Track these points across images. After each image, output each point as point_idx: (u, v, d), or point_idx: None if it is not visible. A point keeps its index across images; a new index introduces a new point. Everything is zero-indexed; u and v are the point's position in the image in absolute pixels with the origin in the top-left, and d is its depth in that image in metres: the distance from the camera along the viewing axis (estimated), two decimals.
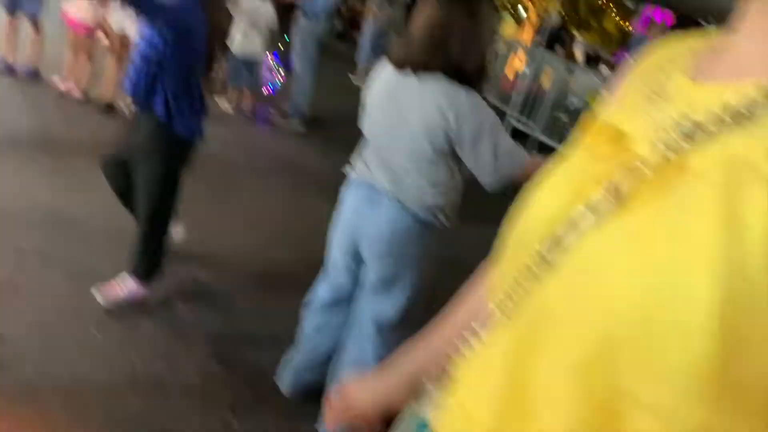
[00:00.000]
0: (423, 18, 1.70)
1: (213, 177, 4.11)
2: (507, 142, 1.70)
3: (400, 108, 1.74)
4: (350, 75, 9.21)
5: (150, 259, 2.47)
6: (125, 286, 2.46)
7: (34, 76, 4.61)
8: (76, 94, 4.54)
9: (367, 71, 9.41)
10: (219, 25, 2.44)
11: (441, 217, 1.84)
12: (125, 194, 2.48)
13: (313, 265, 2.36)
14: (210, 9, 2.27)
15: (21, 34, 4.62)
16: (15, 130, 3.71)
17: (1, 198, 2.95)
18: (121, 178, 2.44)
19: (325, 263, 2.09)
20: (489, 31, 1.78)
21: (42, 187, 3.17)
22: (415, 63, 1.69)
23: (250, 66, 5.40)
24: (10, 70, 4.59)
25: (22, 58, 4.64)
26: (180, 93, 2.26)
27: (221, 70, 5.67)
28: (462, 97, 1.66)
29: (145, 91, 2.22)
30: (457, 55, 1.66)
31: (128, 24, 4.35)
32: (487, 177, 1.71)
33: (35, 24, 4.54)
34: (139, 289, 2.47)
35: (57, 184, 3.26)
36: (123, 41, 4.45)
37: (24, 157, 3.42)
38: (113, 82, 4.51)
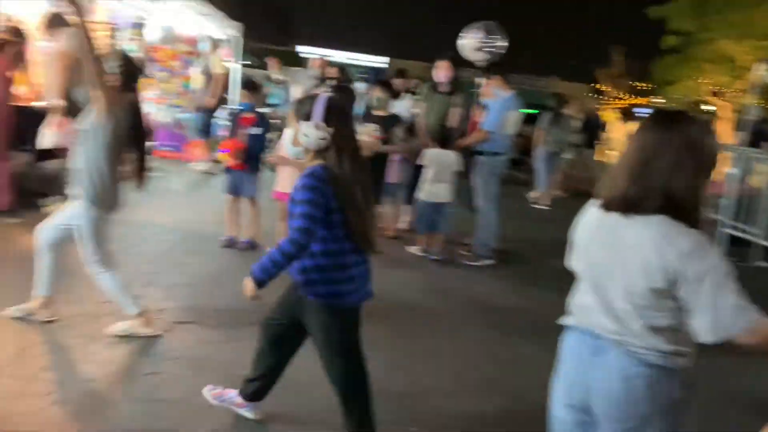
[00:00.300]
0: (633, 151, 1.58)
1: (410, 323, 4.14)
2: (734, 295, 1.45)
3: (615, 248, 1.59)
4: (529, 200, 9.23)
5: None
6: None
7: (252, 247, 5.21)
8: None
9: (545, 194, 9.36)
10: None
11: (680, 360, 1.58)
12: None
13: (524, 415, 2.14)
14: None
15: (241, 212, 5.33)
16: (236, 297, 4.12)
17: None
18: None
19: (549, 420, 1.87)
20: (711, 161, 1.59)
21: None
22: (627, 202, 1.56)
23: (437, 210, 5.59)
24: (232, 244, 5.25)
25: (241, 233, 5.31)
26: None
27: (408, 218, 5.96)
28: (684, 237, 1.48)
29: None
30: (674, 192, 1.50)
31: None
32: (704, 331, 1.47)
33: (253, 203, 5.22)
34: None
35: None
36: None
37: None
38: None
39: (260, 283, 2.28)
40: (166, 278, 4.31)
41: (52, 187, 5.32)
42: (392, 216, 6.42)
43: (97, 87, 3.01)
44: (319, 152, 2.31)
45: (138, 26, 9.36)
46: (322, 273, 2.31)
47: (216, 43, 8.35)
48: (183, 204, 6.71)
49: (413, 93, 7.14)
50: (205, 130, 8.44)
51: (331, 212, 2.26)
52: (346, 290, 2.34)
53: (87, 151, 3.11)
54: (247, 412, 2.71)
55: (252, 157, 5.00)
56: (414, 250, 5.79)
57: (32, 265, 3.33)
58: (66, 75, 5.00)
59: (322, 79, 6.89)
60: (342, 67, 7.32)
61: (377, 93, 5.39)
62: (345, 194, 2.27)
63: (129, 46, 8.93)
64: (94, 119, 3.08)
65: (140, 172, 3.35)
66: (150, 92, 9.21)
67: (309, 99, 2.43)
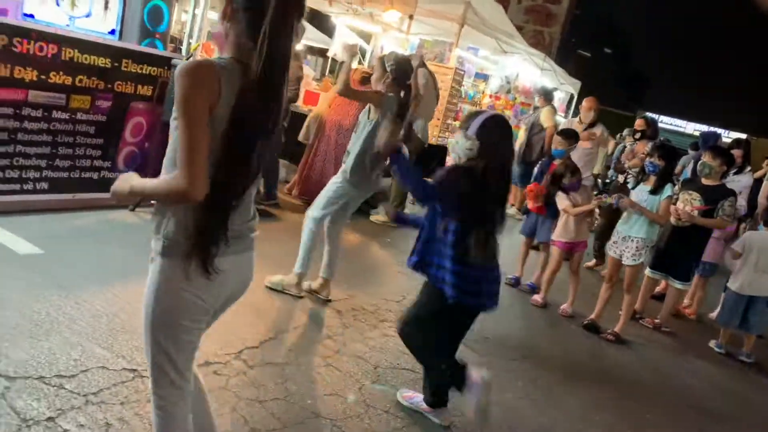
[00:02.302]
0: None
1: (689, 420, 3.64)
2: None
3: None
4: None
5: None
6: None
7: (532, 290, 5.22)
8: (567, 312, 4.87)
9: None
10: None
11: None
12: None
13: None
14: None
15: (531, 256, 5.40)
16: (506, 334, 4.19)
17: None
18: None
19: None
20: None
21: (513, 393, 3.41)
22: None
23: (754, 305, 4.76)
24: (516, 283, 5.33)
25: (527, 276, 5.37)
26: None
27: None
28: None
29: None
30: None
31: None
32: None
33: (545, 247, 5.23)
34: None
35: (525, 390, 3.45)
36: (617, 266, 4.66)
37: (499, 358, 3.79)
38: (602, 304, 4.70)
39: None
40: None
41: (380, 200, 6.21)
42: (699, 296, 5.71)
43: (370, 95, 3.82)
44: (468, 162, 2.52)
45: (482, 77, 10.26)
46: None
47: (544, 98, 8.57)
48: None
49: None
50: (524, 179, 8.70)
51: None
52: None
53: (359, 139, 3.77)
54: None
55: (552, 203, 5.03)
56: (712, 344, 5.03)
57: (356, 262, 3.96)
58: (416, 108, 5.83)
59: (632, 132, 6.57)
60: (650, 121, 6.85)
61: (707, 159, 4.86)
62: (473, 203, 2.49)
63: (471, 92, 9.86)
64: (369, 115, 3.78)
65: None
66: None
67: (475, 114, 2.64)
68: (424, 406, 2.84)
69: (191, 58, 4.79)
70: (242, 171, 1.50)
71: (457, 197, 2.53)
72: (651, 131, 6.57)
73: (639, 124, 6.89)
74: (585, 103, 7.30)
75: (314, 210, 3.78)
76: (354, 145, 3.80)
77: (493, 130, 2.55)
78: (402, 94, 3.88)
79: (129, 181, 1.56)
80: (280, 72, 1.48)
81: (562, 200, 4.82)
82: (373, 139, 3.54)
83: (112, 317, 2.97)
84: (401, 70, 3.93)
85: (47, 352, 2.53)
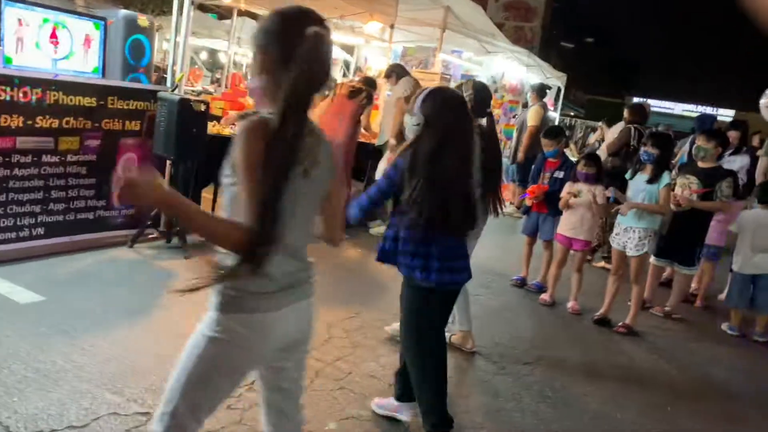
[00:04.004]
0: None
1: (716, 408, 3.60)
2: None
3: None
4: None
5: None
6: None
7: (540, 289, 5.19)
8: (576, 308, 4.84)
9: None
10: None
11: None
12: None
13: None
14: None
15: (535, 254, 5.37)
16: (517, 337, 4.16)
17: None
18: None
19: None
20: None
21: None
22: None
23: (759, 284, 4.75)
24: (522, 284, 5.31)
25: (535, 275, 5.33)
26: None
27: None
28: None
29: None
30: None
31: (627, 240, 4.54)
32: None
33: (547, 246, 5.20)
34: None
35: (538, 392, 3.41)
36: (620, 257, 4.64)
37: (513, 362, 3.76)
38: (611, 297, 4.67)
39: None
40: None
41: (378, 212, 6.18)
42: (705, 281, 5.69)
43: None
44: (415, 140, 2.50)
45: (468, 78, 10.26)
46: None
47: (536, 95, 8.54)
48: (484, 241, 7.02)
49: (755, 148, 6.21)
50: (521, 178, 8.69)
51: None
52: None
53: None
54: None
55: (553, 201, 5.01)
56: (725, 327, 5.01)
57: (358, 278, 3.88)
58: (400, 117, 5.81)
59: (628, 122, 6.54)
60: (635, 108, 6.76)
61: (701, 142, 4.85)
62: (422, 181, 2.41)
63: None
64: None
65: (493, 196, 3.34)
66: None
67: (420, 92, 2.60)
68: (394, 404, 2.80)
69: (177, 89, 4.79)
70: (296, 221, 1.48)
71: (404, 171, 2.50)
72: (639, 117, 6.51)
73: (626, 114, 6.83)
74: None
75: None
76: None
77: (435, 100, 2.53)
78: (486, 124, 3.51)
79: (162, 188, 1.36)
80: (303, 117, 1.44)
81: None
82: None
83: (120, 360, 2.93)
84: (482, 99, 3.60)
85: (57, 404, 2.49)
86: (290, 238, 1.46)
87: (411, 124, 2.54)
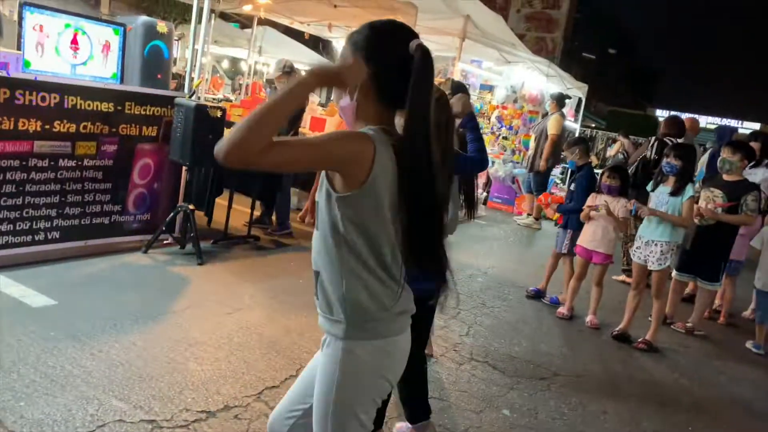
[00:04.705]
0: None
1: (739, 428, 3.47)
2: None
3: None
4: None
5: None
6: None
7: (556, 304, 5.07)
8: (595, 323, 4.72)
9: None
10: None
11: None
12: None
13: None
14: None
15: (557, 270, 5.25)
16: (534, 351, 4.06)
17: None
18: None
19: None
20: None
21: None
22: None
23: None
24: (539, 295, 5.20)
25: (551, 290, 5.23)
26: None
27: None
28: None
29: None
30: None
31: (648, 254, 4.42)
32: None
33: (565, 259, 5.09)
34: None
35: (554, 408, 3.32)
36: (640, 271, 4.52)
37: (529, 378, 3.66)
38: (631, 312, 4.55)
39: None
40: (470, 316, 4.51)
41: None
42: (728, 297, 5.53)
43: None
44: None
45: (487, 88, 10.22)
46: None
47: (556, 104, 8.48)
48: (502, 252, 6.95)
49: None
50: (538, 187, 8.59)
51: None
52: None
53: None
54: None
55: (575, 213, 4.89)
56: (749, 345, 4.86)
57: None
58: None
59: (661, 135, 6.37)
60: (669, 121, 6.56)
61: (726, 154, 4.72)
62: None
63: (478, 104, 9.81)
64: None
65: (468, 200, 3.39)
66: (491, 147, 9.89)
67: None
68: (409, 426, 2.69)
69: (194, 96, 4.80)
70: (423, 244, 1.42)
71: None
72: (672, 130, 6.32)
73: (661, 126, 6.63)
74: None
75: None
76: None
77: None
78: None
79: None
80: (428, 134, 1.38)
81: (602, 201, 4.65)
82: None
83: (128, 366, 2.90)
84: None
85: (63, 409, 2.46)
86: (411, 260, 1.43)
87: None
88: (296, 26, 9.45)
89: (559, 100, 8.60)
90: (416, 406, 2.67)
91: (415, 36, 1.40)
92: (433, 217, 1.40)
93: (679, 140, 6.05)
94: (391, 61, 1.38)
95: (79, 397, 2.56)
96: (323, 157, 1.32)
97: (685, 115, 7.85)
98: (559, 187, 10.06)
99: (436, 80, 7.21)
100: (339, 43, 9.64)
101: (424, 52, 1.36)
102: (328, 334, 1.47)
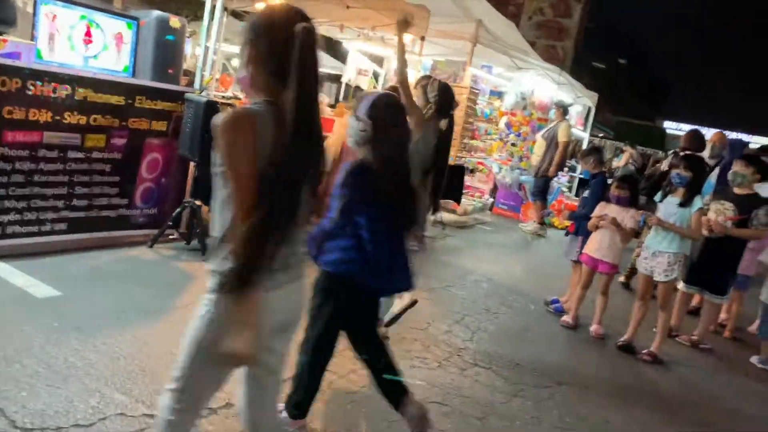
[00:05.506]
0: None
1: None
2: None
3: None
4: None
5: None
6: None
7: (561, 312, 5.04)
8: (599, 332, 4.69)
9: None
10: None
11: None
12: None
13: None
14: None
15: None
16: (537, 359, 4.03)
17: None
18: None
19: None
20: None
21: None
22: None
23: None
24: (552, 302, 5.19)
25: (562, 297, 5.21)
26: None
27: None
28: None
29: None
30: None
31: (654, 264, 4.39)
32: None
33: (574, 266, 5.06)
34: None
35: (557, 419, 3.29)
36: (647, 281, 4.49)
37: (532, 386, 3.63)
38: (636, 323, 4.51)
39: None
40: (474, 321, 4.48)
41: None
42: (734, 311, 5.49)
43: (410, 109, 3.51)
44: (363, 145, 2.39)
45: (496, 94, 10.19)
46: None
47: (565, 112, 8.49)
48: (507, 259, 6.92)
49: None
50: (535, 192, 8.60)
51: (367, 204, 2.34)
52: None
53: None
54: None
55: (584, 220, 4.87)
56: (755, 360, 4.81)
57: None
58: None
59: (681, 149, 6.31)
60: (690, 136, 6.50)
61: (738, 168, 4.69)
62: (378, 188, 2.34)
63: (487, 110, 9.79)
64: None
65: (434, 191, 3.52)
66: (499, 154, 9.87)
67: (364, 96, 2.50)
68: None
69: (204, 92, 4.79)
70: (285, 208, 1.54)
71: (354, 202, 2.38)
72: (692, 145, 6.25)
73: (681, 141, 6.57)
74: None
75: None
76: None
77: (385, 109, 2.42)
78: (445, 126, 3.65)
79: None
80: (313, 106, 1.58)
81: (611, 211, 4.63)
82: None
83: (131, 359, 2.89)
84: (445, 101, 3.70)
85: (65, 401, 2.45)
86: (277, 224, 1.52)
87: (356, 129, 2.40)
88: None
89: (564, 107, 8.70)
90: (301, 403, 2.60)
91: (307, 20, 1.56)
92: (293, 191, 1.55)
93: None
94: (273, 41, 1.54)
95: (81, 389, 2.56)
96: (240, 165, 1.49)
97: (706, 130, 7.77)
98: (566, 195, 10.02)
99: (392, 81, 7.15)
100: (350, 45, 9.64)
101: (308, 31, 1.52)
102: (209, 287, 1.63)
